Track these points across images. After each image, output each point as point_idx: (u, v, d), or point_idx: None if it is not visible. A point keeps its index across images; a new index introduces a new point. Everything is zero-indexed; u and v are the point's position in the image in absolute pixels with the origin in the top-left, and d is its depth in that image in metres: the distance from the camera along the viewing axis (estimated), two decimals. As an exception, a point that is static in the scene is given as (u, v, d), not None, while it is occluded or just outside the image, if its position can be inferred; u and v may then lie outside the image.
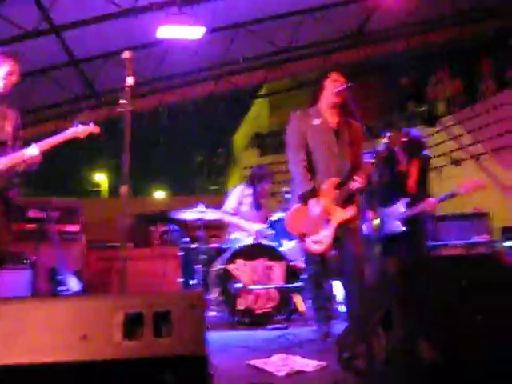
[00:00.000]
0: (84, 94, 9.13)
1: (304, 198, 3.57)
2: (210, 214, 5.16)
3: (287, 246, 4.90)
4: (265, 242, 4.88)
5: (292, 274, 4.70)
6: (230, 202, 5.37)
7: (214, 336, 3.83)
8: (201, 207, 5.07)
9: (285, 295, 4.67)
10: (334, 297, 4.84)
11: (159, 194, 24.65)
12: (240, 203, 5.34)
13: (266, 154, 14.53)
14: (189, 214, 5.13)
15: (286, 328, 4.24)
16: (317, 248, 3.54)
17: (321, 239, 3.53)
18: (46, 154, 3.40)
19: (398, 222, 4.37)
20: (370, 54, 9.88)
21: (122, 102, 2.85)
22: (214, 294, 4.65)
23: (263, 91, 13.89)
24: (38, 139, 3.39)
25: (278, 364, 2.79)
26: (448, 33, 9.77)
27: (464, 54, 10.53)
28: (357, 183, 3.52)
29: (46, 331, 1.78)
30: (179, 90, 10.02)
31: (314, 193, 3.55)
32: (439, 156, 9.54)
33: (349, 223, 3.58)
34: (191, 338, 1.82)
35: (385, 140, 3.66)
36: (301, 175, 3.60)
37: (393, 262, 2.12)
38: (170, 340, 1.81)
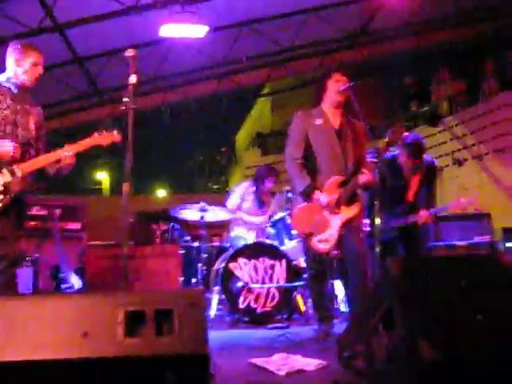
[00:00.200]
0: (87, 91, 9.14)
1: (306, 194, 3.57)
2: (213, 213, 5.16)
3: (289, 245, 4.90)
4: (266, 240, 4.89)
5: (293, 273, 4.70)
6: (233, 199, 5.41)
7: (215, 335, 3.83)
8: (202, 204, 5.06)
9: (286, 294, 4.67)
10: (336, 296, 4.84)
11: (161, 193, 24.67)
12: (242, 199, 5.37)
13: (268, 153, 14.53)
14: (191, 213, 5.14)
15: (286, 327, 4.24)
16: (323, 247, 3.54)
17: (327, 237, 3.54)
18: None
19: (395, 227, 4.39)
20: (374, 53, 9.86)
21: (125, 100, 2.84)
22: (215, 293, 4.65)
23: (266, 90, 13.89)
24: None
25: (278, 363, 2.79)
26: (451, 32, 9.73)
27: (467, 54, 10.51)
28: (365, 176, 3.52)
29: (48, 328, 1.79)
30: (182, 89, 10.01)
31: (314, 188, 3.56)
32: (441, 156, 9.55)
33: (352, 221, 3.59)
34: (192, 337, 1.82)
35: (386, 139, 3.66)
36: (296, 172, 3.62)
37: (394, 262, 2.12)
38: (171, 338, 1.82)
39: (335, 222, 3.55)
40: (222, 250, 5.18)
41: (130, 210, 2.74)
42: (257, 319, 4.53)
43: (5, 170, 3.04)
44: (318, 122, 3.67)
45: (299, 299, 4.77)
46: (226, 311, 4.75)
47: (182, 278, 5.13)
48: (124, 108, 2.84)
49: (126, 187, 2.73)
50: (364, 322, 2.26)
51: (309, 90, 9.14)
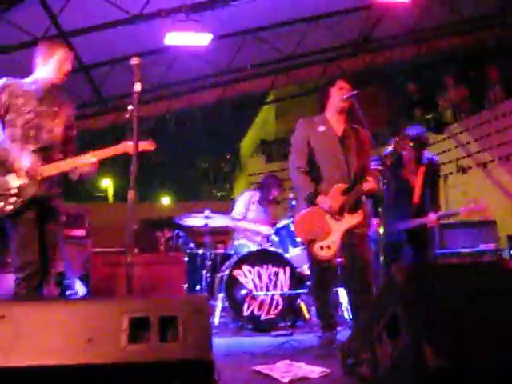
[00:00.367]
0: (92, 99, 9.19)
1: (309, 199, 3.57)
2: (218, 220, 5.17)
3: (293, 252, 4.90)
4: (270, 248, 4.88)
5: (297, 280, 4.70)
6: (238, 208, 5.42)
7: (220, 342, 3.83)
8: (207, 213, 5.08)
9: (290, 302, 4.66)
10: (340, 304, 4.83)
11: (165, 200, 24.73)
12: (247, 209, 5.38)
13: (272, 160, 14.54)
14: (196, 220, 5.15)
15: (290, 334, 4.23)
16: (324, 254, 3.53)
17: (329, 245, 3.52)
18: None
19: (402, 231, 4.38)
20: (377, 60, 9.90)
21: (129, 107, 2.84)
22: (220, 300, 4.65)
23: (270, 98, 13.92)
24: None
25: (282, 370, 2.79)
26: (455, 39, 9.77)
27: (471, 61, 10.51)
28: (369, 183, 3.52)
29: (53, 334, 1.79)
30: (186, 97, 10.06)
31: (318, 193, 3.56)
32: (446, 163, 9.53)
33: (356, 229, 3.58)
34: (197, 343, 1.82)
35: (390, 147, 3.66)
36: (300, 180, 3.62)
37: (399, 269, 2.11)
38: (175, 345, 1.81)
39: (338, 229, 3.54)
40: (226, 257, 5.18)
41: (135, 217, 2.74)
42: (261, 326, 4.52)
43: (22, 173, 2.94)
44: (321, 128, 3.67)
45: (303, 306, 4.77)
46: (230, 318, 4.74)
47: (187, 285, 5.13)
48: (128, 116, 2.84)
49: (131, 195, 2.74)
50: (368, 329, 2.25)
51: (313, 98, 9.16)
